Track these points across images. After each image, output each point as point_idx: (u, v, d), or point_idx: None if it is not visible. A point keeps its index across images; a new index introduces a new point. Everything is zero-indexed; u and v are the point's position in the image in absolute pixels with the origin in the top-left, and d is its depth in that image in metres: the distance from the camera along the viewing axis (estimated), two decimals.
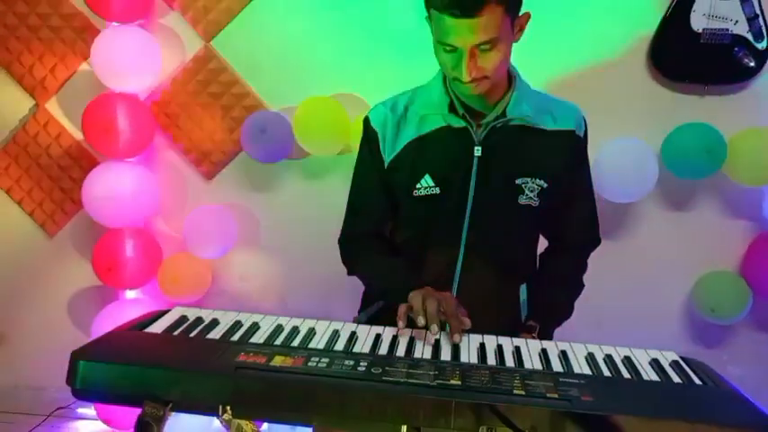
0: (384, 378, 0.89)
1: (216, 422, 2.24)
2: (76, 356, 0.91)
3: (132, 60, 2.06)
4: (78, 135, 2.26)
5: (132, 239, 2.14)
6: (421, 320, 1.09)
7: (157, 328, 1.06)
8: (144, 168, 2.19)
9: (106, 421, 2.13)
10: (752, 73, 1.97)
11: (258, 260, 2.31)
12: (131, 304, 2.23)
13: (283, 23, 2.14)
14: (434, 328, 1.07)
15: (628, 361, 1.01)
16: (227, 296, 2.27)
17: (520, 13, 1.20)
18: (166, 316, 1.12)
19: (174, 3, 2.14)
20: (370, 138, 1.39)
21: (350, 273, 1.46)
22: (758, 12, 1.92)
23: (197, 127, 2.22)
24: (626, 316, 2.08)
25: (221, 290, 2.29)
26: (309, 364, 0.92)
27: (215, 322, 1.10)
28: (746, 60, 1.95)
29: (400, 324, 1.12)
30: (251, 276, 2.32)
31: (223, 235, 2.19)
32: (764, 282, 2.03)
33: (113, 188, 2.07)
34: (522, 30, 1.23)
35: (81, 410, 2.38)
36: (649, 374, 0.96)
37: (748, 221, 2.11)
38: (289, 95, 2.16)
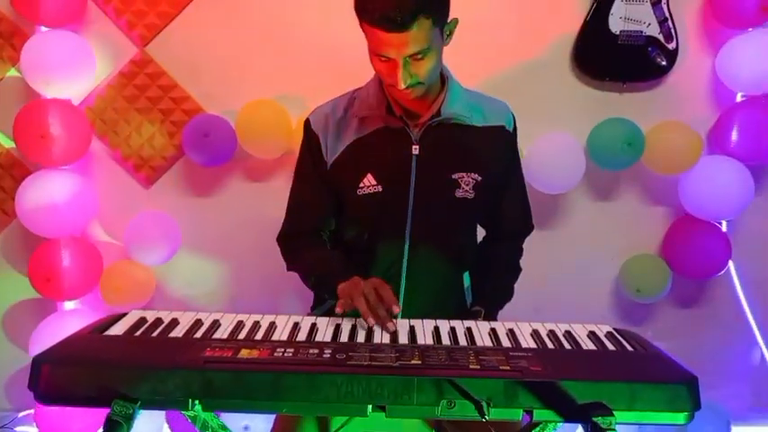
0: (349, 363, 0.94)
1: (165, 430, 2.21)
2: (39, 360, 0.91)
3: (65, 65, 2.00)
4: (8, 143, 2.18)
5: (71, 248, 2.08)
6: (371, 321, 1.13)
7: (118, 330, 1.06)
8: (80, 176, 2.13)
9: None
10: (664, 71, 2.14)
11: (204, 264, 2.30)
12: (71, 315, 2.17)
13: (221, 27, 2.14)
14: (391, 324, 1.12)
15: (568, 335, 1.11)
16: (173, 302, 2.25)
17: (448, 20, 1.27)
18: (124, 319, 1.13)
19: (108, 7, 2.10)
20: (311, 141, 1.44)
21: (288, 268, 1.51)
22: (667, 15, 2.09)
23: (135, 132, 2.18)
24: (560, 300, 2.21)
25: (167, 296, 2.26)
26: (275, 354, 0.96)
27: (175, 322, 1.12)
28: (659, 60, 2.12)
29: (338, 310, 1.17)
30: (197, 281, 2.30)
31: (166, 240, 2.17)
32: (682, 262, 2.21)
33: (49, 197, 2.00)
34: (451, 34, 1.30)
35: (20, 429, 2.29)
36: (588, 345, 1.06)
37: (666, 207, 2.28)
38: (229, 99, 2.16)
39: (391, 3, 1.14)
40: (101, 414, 2.21)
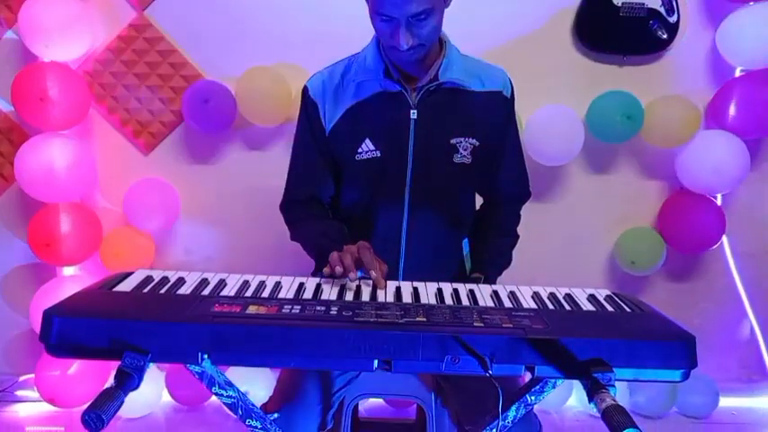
0: (356, 319, 0.96)
1: (165, 395, 2.24)
2: (50, 313, 0.92)
3: (63, 28, 1.97)
4: (6, 107, 2.16)
5: (70, 214, 2.08)
6: (338, 269, 1.15)
7: (126, 287, 1.07)
8: (79, 141, 2.12)
9: (51, 400, 2.08)
10: (665, 44, 2.14)
11: (202, 232, 2.31)
12: (71, 281, 2.18)
13: None
14: (352, 275, 1.14)
15: (569, 297, 1.13)
16: (172, 268, 2.24)
17: None
18: (131, 277, 1.13)
19: None
20: (309, 108, 1.45)
21: (291, 238, 1.52)
22: None
23: (134, 98, 2.17)
24: (556, 270, 2.24)
25: (166, 263, 2.28)
26: (283, 310, 0.98)
27: (181, 281, 1.13)
28: (660, 33, 2.12)
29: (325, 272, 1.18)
30: (196, 248, 2.31)
31: (166, 207, 2.18)
32: (677, 236, 2.24)
33: (48, 162, 2.00)
34: None
35: (20, 393, 2.31)
36: (587, 306, 1.08)
37: (663, 181, 2.30)
38: (228, 65, 2.15)
39: None
40: (100, 379, 2.23)
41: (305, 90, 1.46)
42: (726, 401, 2.35)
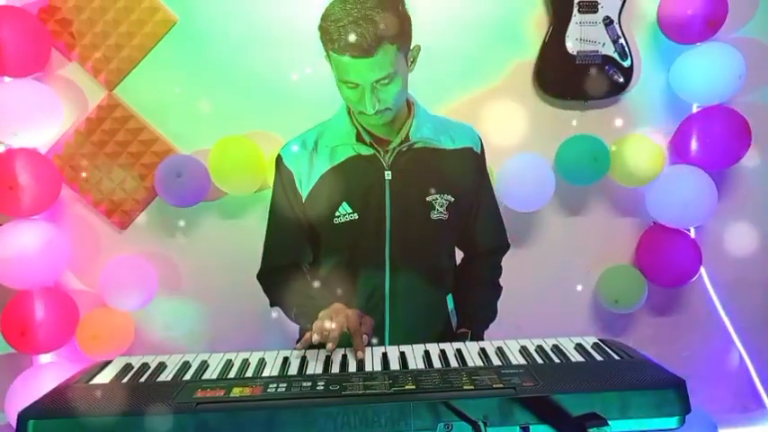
0: (343, 393, 0.94)
1: None
2: (25, 416, 0.89)
3: (30, 115, 1.98)
4: None
5: (44, 299, 2.03)
6: (315, 337, 1.14)
7: (104, 378, 1.04)
8: (51, 225, 2.09)
9: None
10: (622, 87, 2.22)
11: (181, 307, 2.26)
12: (48, 369, 2.11)
13: (188, 68, 2.15)
14: (329, 345, 1.14)
15: (556, 348, 1.12)
16: (152, 348, 2.20)
17: (411, 47, 1.31)
18: (110, 366, 1.10)
19: (72, 54, 2.09)
20: (284, 177, 1.46)
21: (271, 304, 1.51)
22: (620, 34, 2.18)
23: (106, 177, 2.16)
24: (541, 316, 2.23)
25: (146, 341, 2.22)
26: (269, 390, 0.95)
27: (162, 366, 1.10)
28: (616, 77, 2.20)
29: (307, 339, 1.16)
30: (176, 324, 2.26)
31: (143, 284, 2.14)
32: (656, 271, 2.26)
33: (20, 249, 1.96)
34: (414, 60, 1.35)
35: None
36: (576, 357, 1.08)
37: (636, 218, 2.35)
38: (199, 138, 2.17)
39: (356, 30, 1.17)
40: None
41: (279, 159, 1.47)
42: None
